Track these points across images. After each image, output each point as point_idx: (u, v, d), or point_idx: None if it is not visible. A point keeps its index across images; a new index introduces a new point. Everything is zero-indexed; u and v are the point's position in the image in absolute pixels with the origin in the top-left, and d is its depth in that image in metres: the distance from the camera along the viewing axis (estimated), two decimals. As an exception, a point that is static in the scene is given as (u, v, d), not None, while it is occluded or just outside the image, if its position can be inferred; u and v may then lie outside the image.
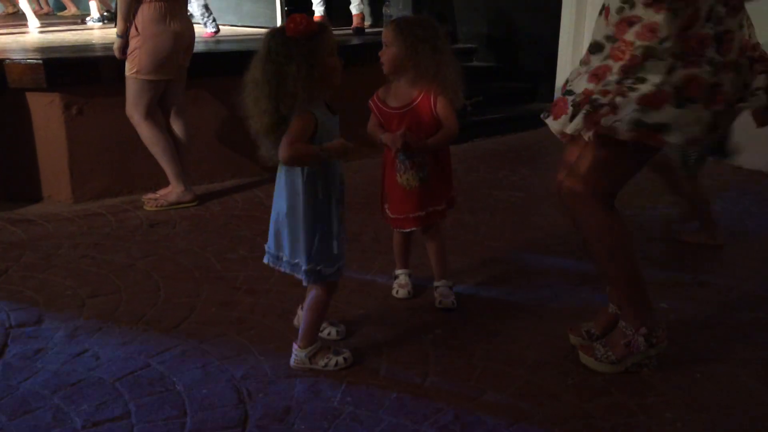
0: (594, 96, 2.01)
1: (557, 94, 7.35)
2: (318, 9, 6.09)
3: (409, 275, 2.81)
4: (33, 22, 6.48)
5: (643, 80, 1.95)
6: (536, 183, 4.43)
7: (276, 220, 2.18)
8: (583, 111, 2.01)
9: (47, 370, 2.24)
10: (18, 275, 2.96)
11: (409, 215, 2.59)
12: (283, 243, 2.18)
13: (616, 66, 1.99)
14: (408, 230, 2.65)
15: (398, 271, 2.83)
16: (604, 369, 2.23)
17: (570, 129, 2.05)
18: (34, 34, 5.94)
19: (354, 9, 6.20)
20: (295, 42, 1.98)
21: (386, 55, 2.48)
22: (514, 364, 2.30)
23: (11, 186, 3.95)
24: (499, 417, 2.01)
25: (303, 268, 2.14)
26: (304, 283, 2.18)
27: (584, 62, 2.14)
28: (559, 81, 6.03)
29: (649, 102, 1.93)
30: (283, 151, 2.02)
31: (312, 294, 2.23)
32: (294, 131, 2.02)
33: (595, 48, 2.09)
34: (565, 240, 3.40)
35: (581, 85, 2.07)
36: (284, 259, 2.19)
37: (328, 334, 2.43)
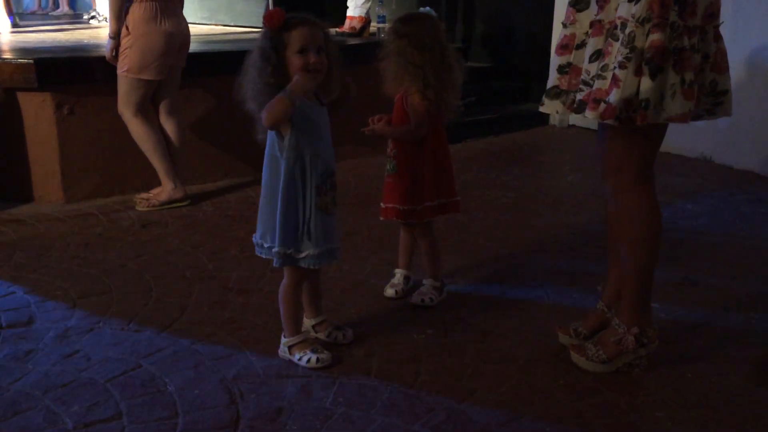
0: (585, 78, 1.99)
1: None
2: (355, 11, 5.48)
3: (406, 277, 2.79)
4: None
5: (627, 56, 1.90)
6: (528, 183, 4.43)
7: (261, 205, 2.22)
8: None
9: (38, 371, 2.23)
10: (8, 276, 2.95)
11: (380, 203, 2.65)
12: (265, 228, 2.21)
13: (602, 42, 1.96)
14: (382, 219, 2.66)
15: (396, 270, 2.82)
16: (595, 368, 2.23)
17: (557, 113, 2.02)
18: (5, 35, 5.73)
19: (352, 11, 5.54)
20: (265, 34, 2.06)
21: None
22: (506, 363, 2.30)
23: (2, 186, 3.92)
24: (490, 416, 2.02)
25: (274, 250, 2.16)
26: (275, 264, 2.20)
27: (570, 23, 2.08)
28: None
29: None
30: (263, 120, 2.05)
31: (281, 282, 2.27)
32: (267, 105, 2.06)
33: (579, 3, 2.05)
34: (557, 239, 3.41)
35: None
36: (265, 245, 2.21)
37: (335, 338, 2.40)
